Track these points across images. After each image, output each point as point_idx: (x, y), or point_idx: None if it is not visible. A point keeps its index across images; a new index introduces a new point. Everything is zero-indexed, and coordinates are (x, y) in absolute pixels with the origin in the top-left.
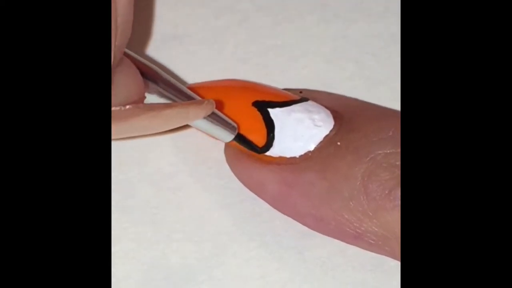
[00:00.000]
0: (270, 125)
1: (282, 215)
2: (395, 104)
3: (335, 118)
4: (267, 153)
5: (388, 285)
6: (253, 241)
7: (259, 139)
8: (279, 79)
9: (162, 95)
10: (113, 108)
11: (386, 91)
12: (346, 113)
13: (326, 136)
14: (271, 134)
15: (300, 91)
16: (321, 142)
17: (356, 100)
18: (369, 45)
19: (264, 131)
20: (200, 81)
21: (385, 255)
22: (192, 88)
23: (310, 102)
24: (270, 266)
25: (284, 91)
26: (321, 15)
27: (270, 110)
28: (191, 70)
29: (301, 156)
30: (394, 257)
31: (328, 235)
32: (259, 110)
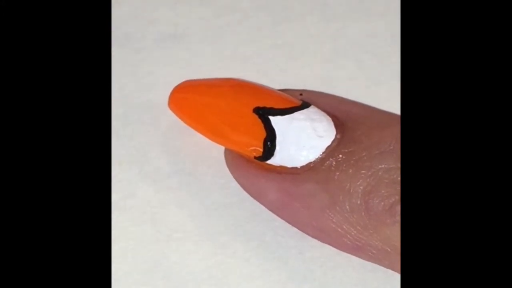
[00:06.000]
0: (271, 134)
1: None
2: (395, 104)
3: (336, 126)
4: (268, 162)
5: (388, 285)
6: (253, 241)
7: (259, 148)
8: (279, 79)
9: None
10: None
11: (386, 91)
12: (347, 121)
13: (328, 146)
14: (273, 143)
15: (301, 93)
16: (323, 152)
17: (356, 104)
18: (369, 45)
19: (264, 139)
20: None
21: (385, 267)
22: (191, 85)
23: (311, 109)
24: (270, 266)
25: (285, 94)
26: (321, 15)
27: (271, 118)
28: (191, 70)
29: (302, 166)
30: (394, 270)
31: (328, 244)
32: (260, 117)
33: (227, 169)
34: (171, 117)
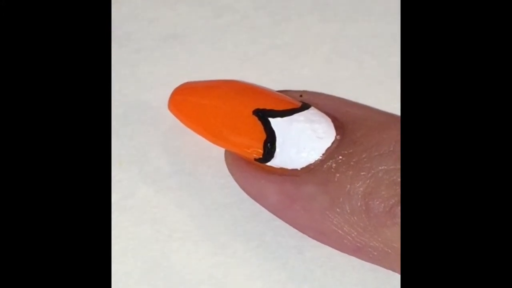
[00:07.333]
0: (271, 136)
1: None
2: (395, 104)
3: (336, 127)
4: (268, 164)
5: (388, 285)
6: (253, 241)
7: (259, 150)
8: (279, 79)
9: None
10: None
11: (386, 91)
12: (347, 122)
13: (328, 148)
14: (273, 145)
15: (301, 94)
16: (323, 154)
17: (356, 105)
18: (369, 45)
19: (264, 141)
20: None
21: (385, 268)
22: (191, 87)
23: (311, 111)
24: (270, 266)
25: (284, 96)
26: (321, 15)
27: (271, 119)
28: (191, 70)
29: (302, 168)
30: (394, 271)
31: (329, 246)
32: (260, 119)
33: (227, 169)
34: (171, 117)
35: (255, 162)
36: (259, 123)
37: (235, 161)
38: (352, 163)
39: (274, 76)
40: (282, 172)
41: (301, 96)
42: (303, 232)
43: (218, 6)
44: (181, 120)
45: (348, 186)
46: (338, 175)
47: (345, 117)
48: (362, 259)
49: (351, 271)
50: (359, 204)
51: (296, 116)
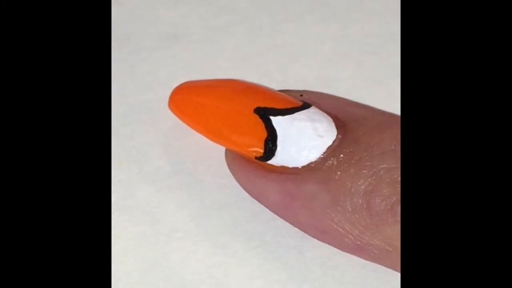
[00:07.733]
0: (272, 134)
1: None
2: (395, 104)
3: (337, 127)
4: (269, 162)
5: (388, 285)
6: (253, 241)
7: (260, 148)
8: (279, 79)
9: None
10: None
11: (386, 91)
12: (348, 121)
13: (329, 146)
14: (274, 143)
15: (301, 94)
16: (324, 152)
17: (357, 104)
18: (369, 45)
19: (265, 139)
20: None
21: (386, 267)
22: (191, 87)
23: (312, 109)
24: (270, 266)
25: (285, 95)
26: (321, 15)
27: (272, 118)
28: (191, 70)
29: (303, 166)
30: (395, 270)
31: (329, 244)
32: (261, 117)
33: (227, 169)
34: (171, 117)
35: (255, 160)
36: (260, 121)
37: (235, 160)
38: (353, 161)
39: (274, 76)
40: (283, 171)
41: (301, 95)
42: (304, 231)
43: (218, 6)
44: (181, 119)
45: (349, 184)
46: (339, 173)
47: (346, 116)
48: (363, 257)
49: (351, 271)
50: (360, 202)
51: (297, 114)
